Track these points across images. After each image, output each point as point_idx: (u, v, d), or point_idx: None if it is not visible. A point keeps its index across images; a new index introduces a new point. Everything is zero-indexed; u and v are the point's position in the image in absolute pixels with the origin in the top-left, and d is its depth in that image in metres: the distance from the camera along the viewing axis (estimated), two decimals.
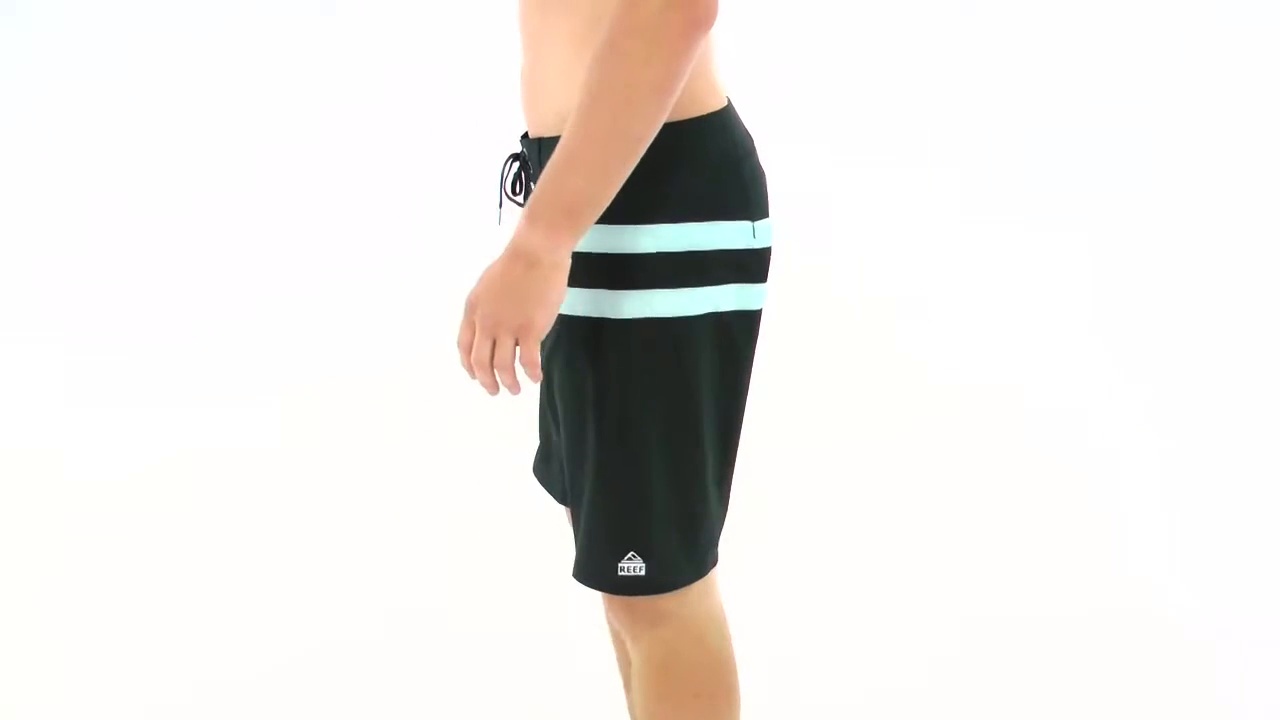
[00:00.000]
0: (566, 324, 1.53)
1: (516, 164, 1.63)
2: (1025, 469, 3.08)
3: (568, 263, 1.43)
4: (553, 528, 1.94)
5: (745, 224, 1.54)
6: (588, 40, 1.48)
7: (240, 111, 5.17)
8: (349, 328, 3.52)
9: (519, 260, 1.41)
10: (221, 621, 2.59)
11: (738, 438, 1.62)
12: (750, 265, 1.56)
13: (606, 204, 1.43)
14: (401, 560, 2.73)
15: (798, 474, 3.01)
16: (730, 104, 1.56)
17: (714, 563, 1.65)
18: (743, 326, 1.57)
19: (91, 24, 5.92)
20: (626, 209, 1.48)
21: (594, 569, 1.58)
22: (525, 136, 1.63)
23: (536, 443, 1.79)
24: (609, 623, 1.80)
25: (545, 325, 1.44)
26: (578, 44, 1.50)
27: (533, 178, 1.61)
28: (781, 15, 5.75)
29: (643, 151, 1.41)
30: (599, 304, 1.50)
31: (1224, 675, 2.42)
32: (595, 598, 2.42)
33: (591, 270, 1.50)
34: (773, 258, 1.61)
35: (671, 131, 1.48)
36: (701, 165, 1.52)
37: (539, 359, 1.45)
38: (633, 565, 1.58)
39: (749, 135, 1.58)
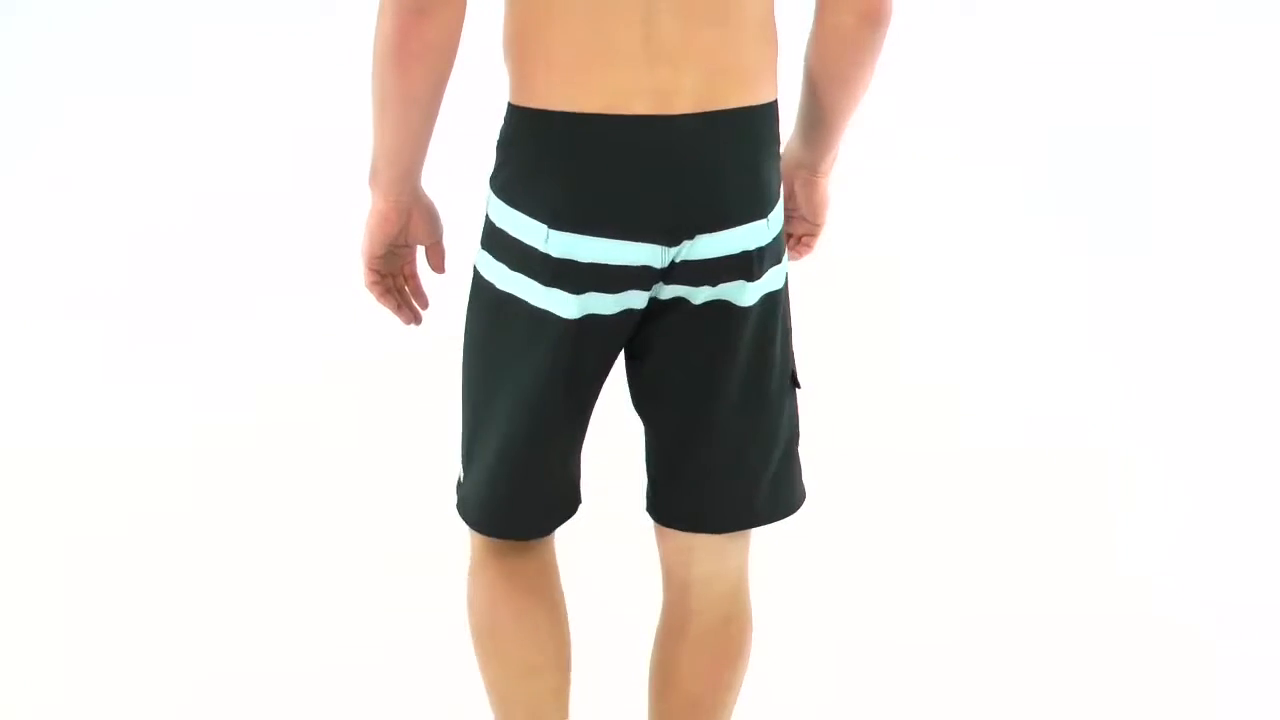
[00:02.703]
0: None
1: None
2: (1027, 469, 3.07)
3: (381, 206, 1.65)
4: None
5: (540, 226, 1.57)
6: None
7: (239, 111, 5.17)
8: (351, 324, 3.52)
9: None
10: (217, 621, 2.58)
11: (524, 419, 1.67)
12: (539, 267, 1.59)
13: (393, 156, 1.61)
14: (402, 558, 2.73)
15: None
16: (591, 116, 1.53)
17: (477, 527, 1.77)
18: (519, 312, 1.63)
19: (90, 25, 5.92)
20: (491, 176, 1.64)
21: None
22: None
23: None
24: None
25: (365, 253, 1.70)
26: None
27: None
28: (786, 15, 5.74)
29: (400, 113, 1.56)
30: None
31: (1224, 676, 2.42)
32: (594, 587, 2.42)
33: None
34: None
35: (510, 113, 1.60)
36: (517, 154, 1.60)
37: (368, 280, 1.73)
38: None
39: (571, 149, 1.55)
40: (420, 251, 1.77)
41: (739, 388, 1.69)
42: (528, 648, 1.85)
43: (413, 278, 1.78)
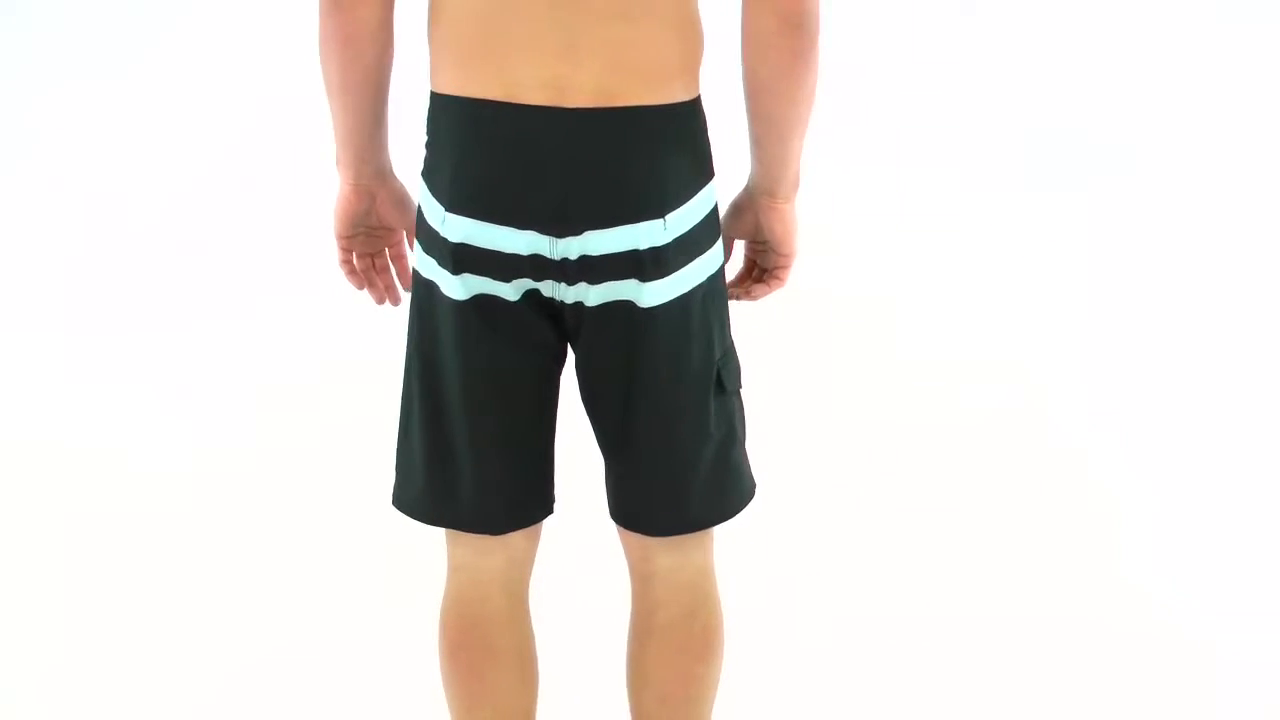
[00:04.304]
0: None
1: None
2: (1023, 468, 3.08)
3: (343, 187, 1.71)
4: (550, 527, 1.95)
5: (439, 208, 1.60)
6: None
7: (232, 110, 5.17)
8: (349, 324, 3.52)
9: None
10: (216, 626, 2.59)
11: (442, 407, 1.67)
12: (441, 249, 1.62)
13: (344, 138, 1.67)
14: (400, 562, 2.73)
15: (793, 472, 3.01)
16: (489, 103, 1.54)
17: (424, 518, 1.75)
18: (431, 298, 1.65)
19: (88, 24, 5.92)
20: None
21: None
22: None
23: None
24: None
25: (335, 231, 1.75)
26: None
27: None
28: None
29: (339, 99, 1.64)
30: None
31: (1224, 676, 2.42)
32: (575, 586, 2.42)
33: None
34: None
35: (429, 99, 1.62)
36: (431, 138, 1.62)
37: (338, 258, 1.77)
38: None
39: (466, 135, 1.57)
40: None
41: (655, 391, 1.65)
42: (483, 711, 1.82)
43: (399, 259, 1.79)
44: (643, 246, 1.57)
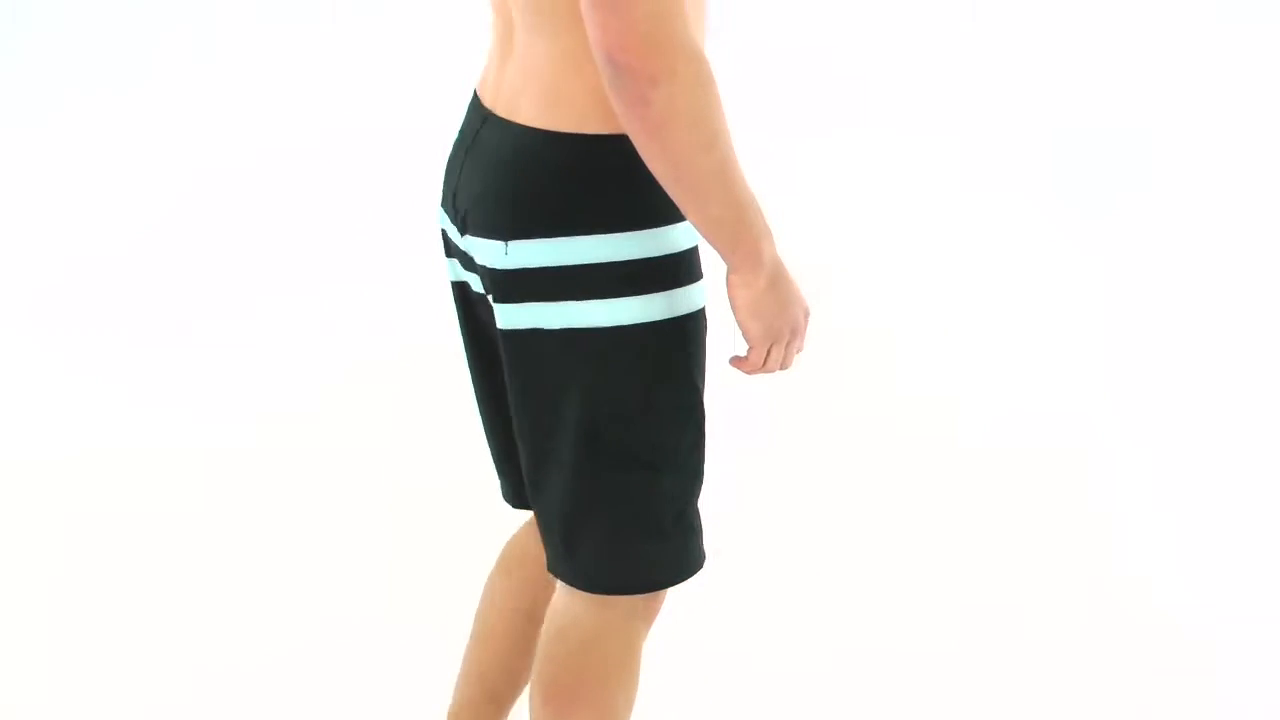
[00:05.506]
0: None
1: None
2: (1027, 470, 3.08)
3: None
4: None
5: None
6: None
7: (236, 112, 5.17)
8: (355, 329, 3.52)
9: None
10: (211, 626, 2.59)
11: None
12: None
13: None
14: (399, 563, 2.73)
15: (796, 474, 3.01)
16: (475, 97, 1.63)
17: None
18: None
19: (88, 29, 5.92)
20: None
21: None
22: None
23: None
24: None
25: None
26: None
27: None
28: (789, 17, 5.74)
29: None
30: None
31: (1224, 675, 2.42)
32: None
33: None
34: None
35: None
36: None
37: None
38: None
39: (459, 133, 1.66)
40: None
41: (515, 417, 1.58)
42: (480, 618, 1.99)
43: None
44: (492, 265, 1.51)
